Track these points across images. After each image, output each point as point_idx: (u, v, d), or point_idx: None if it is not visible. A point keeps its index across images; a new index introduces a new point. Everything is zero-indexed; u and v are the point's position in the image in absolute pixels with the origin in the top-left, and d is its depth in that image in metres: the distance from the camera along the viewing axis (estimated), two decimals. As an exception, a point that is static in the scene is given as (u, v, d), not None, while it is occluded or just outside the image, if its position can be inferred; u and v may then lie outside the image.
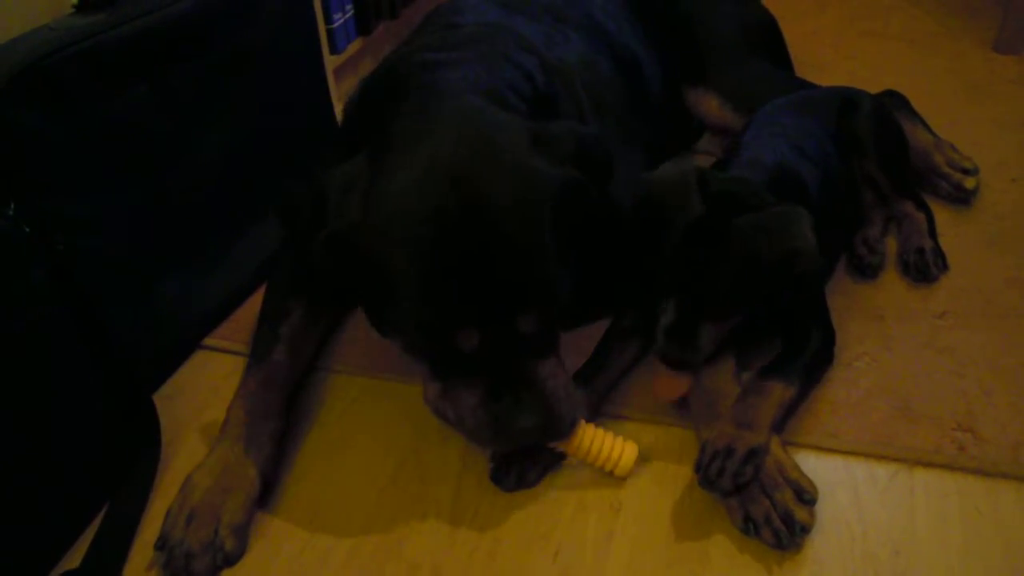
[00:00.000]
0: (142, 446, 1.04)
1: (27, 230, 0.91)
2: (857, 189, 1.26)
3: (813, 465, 0.98)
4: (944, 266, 1.23)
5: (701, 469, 0.91)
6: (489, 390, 0.90)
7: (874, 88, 1.40)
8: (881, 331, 1.13)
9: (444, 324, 0.87)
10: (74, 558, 0.93)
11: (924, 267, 1.21)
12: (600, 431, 0.97)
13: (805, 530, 0.89)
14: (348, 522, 0.96)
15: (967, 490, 0.95)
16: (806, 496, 0.90)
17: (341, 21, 1.67)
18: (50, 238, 0.96)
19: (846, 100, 1.28)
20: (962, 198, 1.35)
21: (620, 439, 0.97)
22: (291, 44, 1.34)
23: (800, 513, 0.89)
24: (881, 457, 0.98)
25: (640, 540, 0.92)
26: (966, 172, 1.35)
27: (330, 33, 1.65)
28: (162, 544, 0.92)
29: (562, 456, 0.99)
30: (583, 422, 0.97)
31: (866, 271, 1.22)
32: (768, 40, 1.50)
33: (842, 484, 0.96)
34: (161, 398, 1.11)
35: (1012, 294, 1.18)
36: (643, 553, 0.90)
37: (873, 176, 1.26)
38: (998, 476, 0.96)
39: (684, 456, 1.00)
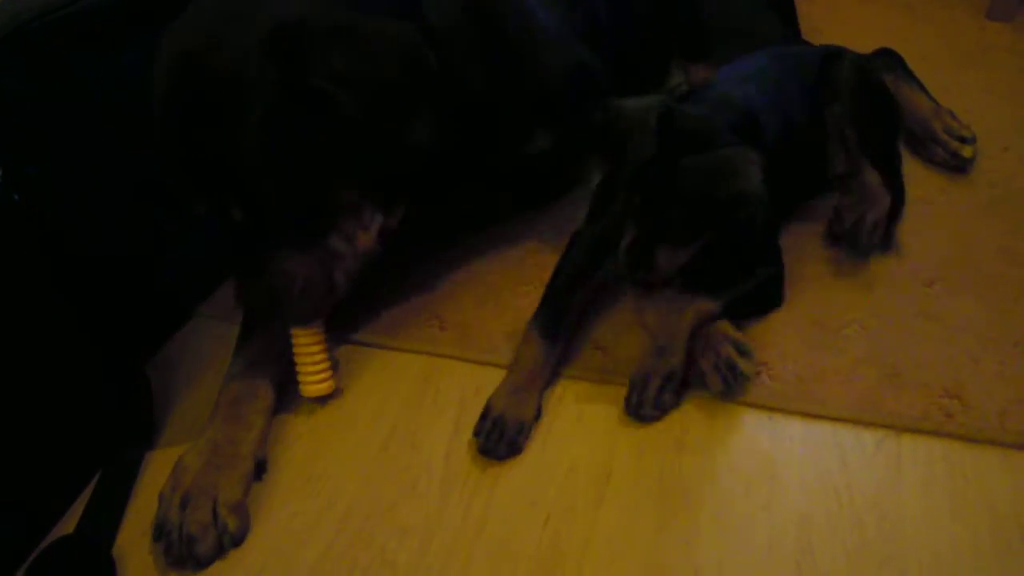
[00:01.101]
0: (134, 413, 1.04)
1: (16, 198, 0.91)
2: (824, 144, 1.24)
3: (801, 432, 0.99)
4: (885, 246, 1.19)
5: (626, 401, 1.02)
6: (235, 268, 0.98)
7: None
8: (870, 299, 1.14)
9: (177, 182, 0.94)
10: (69, 523, 0.94)
11: (856, 238, 1.17)
12: (317, 350, 1.03)
13: (746, 377, 1.00)
14: (339, 489, 0.97)
15: (953, 457, 0.96)
16: (743, 348, 1.01)
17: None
18: (40, 206, 0.96)
19: (830, 53, 1.28)
20: (958, 166, 1.34)
21: (326, 368, 1.04)
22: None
23: (742, 363, 1.00)
24: (868, 424, 0.99)
25: (629, 506, 0.92)
26: (963, 140, 1.35)
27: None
28: (159, 532, 0.91)
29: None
30: (311, 330, 1.02)
31: (838, 241, 1.22)
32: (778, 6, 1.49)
33: (829, 451, 0.97)
34: (155, 366, 1.12)
35: (1001, 262, 1.18)
36: (632, 519, 0.91)
37: (846, 133, 1.24)
38: (984, 443, 0.96)
39: (673, 422, 1.00)
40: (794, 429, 0.99)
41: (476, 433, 0.99)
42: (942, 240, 1.22)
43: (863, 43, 1.36)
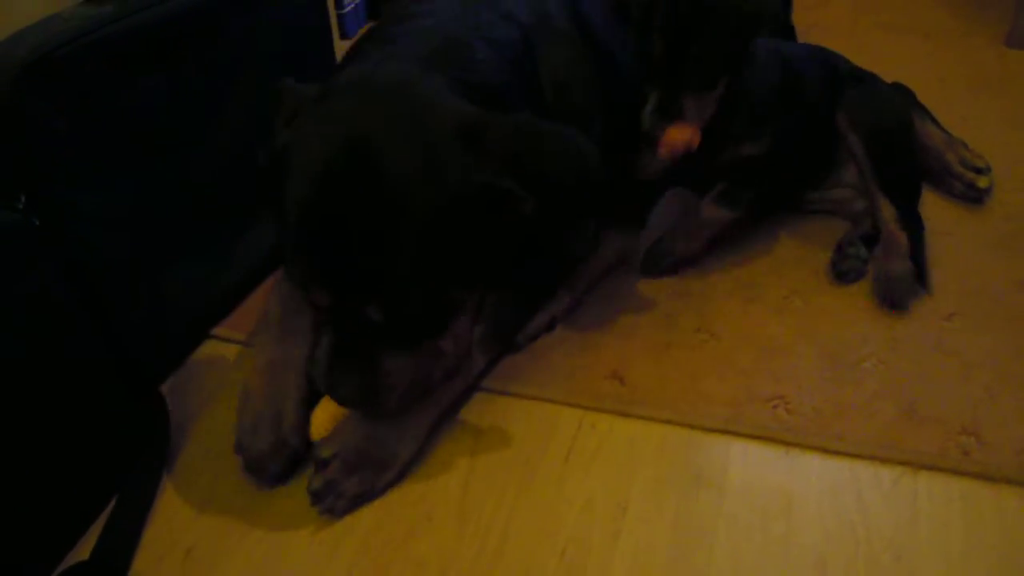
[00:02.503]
0: (151, 437, 1.04)
1: (37, 222, 0.92)
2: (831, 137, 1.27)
3: (818, 467, 0.99)
4: (922, 290, 1.19)
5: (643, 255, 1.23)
6: (335, 349, 0.92)
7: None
8: (888, 332, 1.14)
9: (302, 275, 0.90)
10: (83, 550, 0.94)
11: (890, 295, 1.18)
12: None
13: None
14: (355, 518, 0.96)
15: (971, 495, 0.95)
16: None
17: (352, 6, 1.67)
18: (60, 230, 0.97)
19: (854, 74, 1.31)
20: (975, 197, 1.34)
21: None
22: (303, 30, 1.34)
23: None
24: (885, 460, 0.98)
25: (646, 540, 0.92)
26: (979, 171, 1.35)
27: (341, 19, 1.64)
28: (239, 448, 0.99)
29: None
30: None
31: (840, 277, 1.22)
32: None
33: (846, 487, 0.97)
34: (170, 388, 1.12)
35: (1020, 297, 1.18)
36: (649, 554, 0.91)
37: (859, 164, 1.25)
38: (1002, 481, 0.96)
39: (691, 456, 1.00)
40: (811, 464, 0.99)
41: None
42: (961, 273, 1.22)
43: (881, 72, 1.36)
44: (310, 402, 1.00)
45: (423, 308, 0.89)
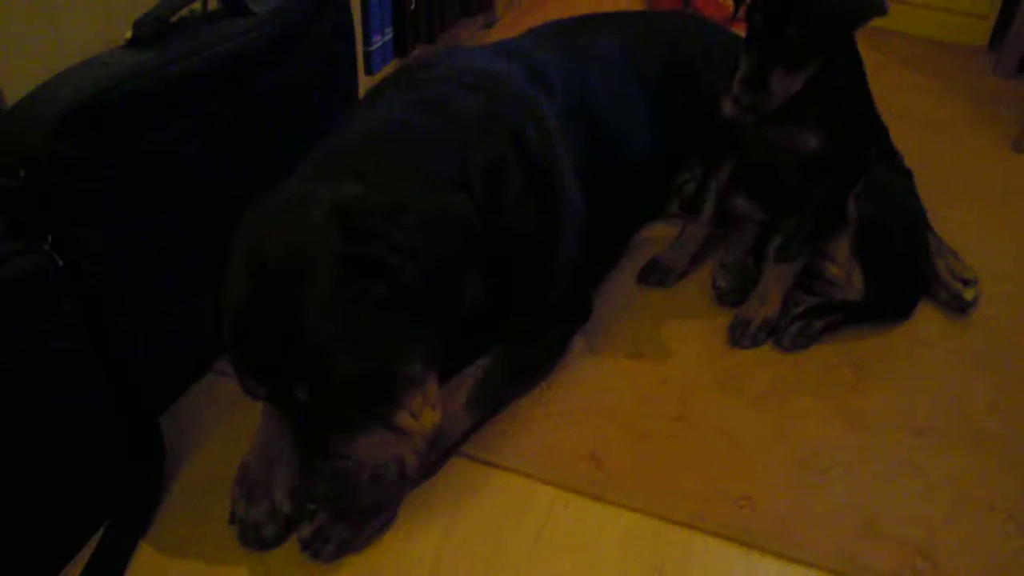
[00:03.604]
0: (145, 468, 1.09)
1: (61, 264, 0.96)
2: None
3: (775, 572, 1.03)
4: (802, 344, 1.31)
5: (730, 332, 1.31)
6: (298, 452, 0.98)
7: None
8: (859, 441, 1.18)
9: (237, 367, 0.97)
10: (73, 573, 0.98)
11: (741, 332, 1.31)
12: None
13: None
14: None
15: (917, 619, 1.00)
16: None
17: (379, 44, 1.70)
18: (81, 270, 1.01)
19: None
20: (959, 308, 1.38)
21: None
22: (330, 73, 1.38)
23: None
24: (841, 574, 1.03)
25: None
26: (966, 283, 1.39)
27: (367, 55, 1.68)
28: (232, 519, 1.03)
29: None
30: None
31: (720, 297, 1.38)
32: None
33: (800, 596, 1.02)
34: (167, 419, 1.16)
35: (990, 419, 1.22)
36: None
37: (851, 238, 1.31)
38: (948, 609, 1.01)
39: (655, 548, 1.04)
40: (770, 568, 1.03)
41: None
42: (937, 388, 1.27)
43: (924, 172, 1.41)
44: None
45: (347, 381, 0.94)
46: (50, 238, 0.96)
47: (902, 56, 2.19)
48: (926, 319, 1.37)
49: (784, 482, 1.12)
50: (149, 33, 1.09)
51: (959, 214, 1.58)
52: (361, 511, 1.02)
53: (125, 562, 1.00)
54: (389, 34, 1.73)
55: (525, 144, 1.15)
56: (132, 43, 1.09)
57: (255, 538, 1.02)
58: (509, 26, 2.17)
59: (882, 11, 1.12)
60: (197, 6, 1.18)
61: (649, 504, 1.09)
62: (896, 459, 1.16)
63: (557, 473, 1.12)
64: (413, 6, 1.76)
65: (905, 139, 1.82)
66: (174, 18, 1.13)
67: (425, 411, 1.02)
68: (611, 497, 1.09)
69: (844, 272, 1.32)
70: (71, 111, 0.98)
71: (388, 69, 1.75)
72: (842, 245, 1.31)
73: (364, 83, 1.66)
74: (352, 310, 0.93)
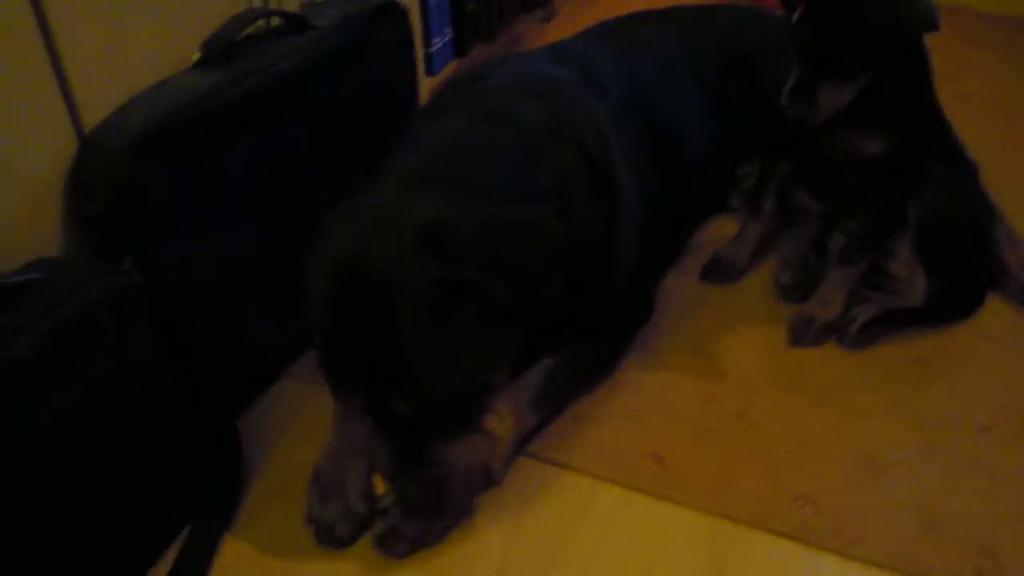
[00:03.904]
0: (224, 473, 1.14)
1: (140, 281, 1.01)
2: None
3: (835, 570, 1.04)
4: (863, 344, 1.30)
5: (791, 330, 1.31)
6: (392, 458, 1.02)
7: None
8: (921, 439, 1.18)
9: (331, 381, 1.02)
10: (160, 573, 1.04)
11: (804, 330, 1.31)
12: None
13: None
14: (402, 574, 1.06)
15: (980, 618, 1.00)
16: None
17: (440, 44, 1.73)
18: (158, 286, 1.06)
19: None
20: (1027, 302, 1.37)
21: None
22: (392, 82, 1.41)
23: None
24: (901, 573, 1.03)
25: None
26: (1037, 276, 1.37)
27: (428, 56, 1.70)
28: (309, 519, 1.08)
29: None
30: None
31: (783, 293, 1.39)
32: None
33: (861, 594, 1.03)
34: (242, 423, 1.22)
35: (1059, 416, 1.21)
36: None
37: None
38: (1012, 608, 1.01)
39: (714, 546, 1.07)
40: (828, 566, 1.05)
41: None
42: (1004, 383, 1.26)
43: (992, 159, 1.41)
44: (371, 472, 1.09)
45: (446, 395, 0.99)
46: (130, 257, 1.02)
47: (964, 32, 2.13)
48: (993, 312, 1.36)
49: (845, 480, 1.13)
50: (217, 53, 1.14)
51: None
52: (446, 513, 1.06)
53: (208, 562, 1.06)
54: (449, 34, 1.75)
55: (586, 151, 1.17)
56: (201, 64, 1.14)
57: (330, 537, 1.07)
58: (568, 19, 2.17)
59: (934, 27, 1.12)
60: (262, 23, 1.22)
61: (710, 502, 1.11)
62: (959, 457, 1.16)
63: (620, 472, 1.14)
64: (471, 6, 1.79)
65: (973, 125, 1.77)
66: (239, 37, 1.17)
67: (510, 415, 1.07)
68: (673, 495, 1.12)
69: (907, 270, 1.31)
70: (147, 135, 1.03)
71: (449, 69, 1.78)
72: (905, 244, 1.30)
73: (425, 84, 1.69)
74: (448, 328, 0.97)
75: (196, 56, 1.14)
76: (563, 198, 1.12)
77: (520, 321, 1.02)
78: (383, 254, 0.97)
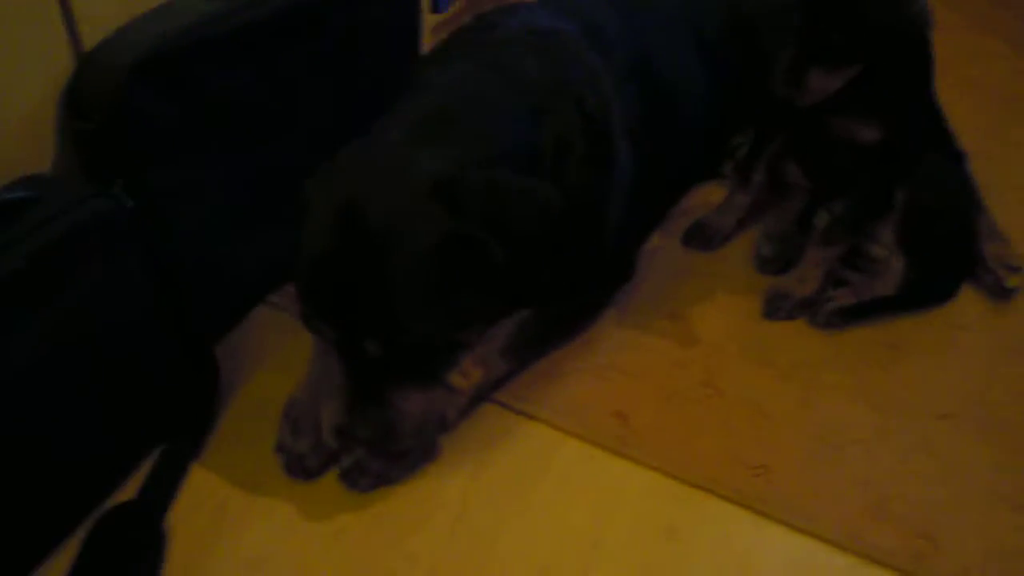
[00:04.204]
0: (201, 394, 1.17)
1: (130, 205, 1.03)
2: None
3: (782, 541, 1.08)
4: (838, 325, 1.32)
5: (765, 303, 1.33)
6: (349, 394, 1.04)
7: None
8: (880, 421, 1.21)
9: (309, 313, 1.04)
10: (128, 490, 1.08)
11: (778, 303, 1.34)
12: None
13: None
14: (363, 507, 1.09)
15: (912, 597, 1.05)
16: None
17: (450, -18, 1.72)
18: (149, 210, 1.07)
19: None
20: (1001, 294, 1.39)
21: None
22: (393, 21, 1.41)
23: None
24: (844, 548, 1.07)
25: (611, 581, 1.04)
26: (1011, 270, 1.39)
27: (436, -6, 1.70)
28: (279, 448, 1.12)
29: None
30: None
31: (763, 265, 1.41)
32: None
33: (803, 565, 1.06)
34: (222, 348, 1.24)
35: (1016, 410, 1.24)
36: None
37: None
38: (943, 591, 1.05)
39: (664, 507, 1.10)
40: (776, 537, 1.09)
41: None
42: (967, 372, 1.29)
43: (990, 150, 1.45)
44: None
45: (419, 343, 1.01)
46: (120, 181, 1.03)
47: (978, 17, 2.11)
48: (967, 302, 1.38)
49: (801, 455, 1.16)
50: (222, -20, 1.13)
51: (1018, 193, 1.56)
52: (399, 454, 1.10)
53: (178, 481, 1.10)
54: (459, -28, 1.75)
55: (585, 110, 1.18)
56: (202, -10, 1.14)
57: (298, 468, 1.10)
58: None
59: (927, 25, 1.12)
60: (269, -48, 1.22)
61: (668, 464, 1.14)
62: (915, 441, 1.19)
63: (584, 427, 1.18)
64: (484, -55, 1.77)
65: (971, 109, 1.77)
66: (244, -35, 1.17)
67: (473, 371, 1.10)
68: (633, 454, 1.15)
69: (888, 253, 1.33)
70: (146, 57, 1.04)
71: (455, 8, 1.77)
72: (889, 228, 1.32)
73: (430, 21, 1.68)
74: (440, 282, 0.99)
75: (201, -20, 1.14)
76: (561, 158, 1.14)
77: (507, 286, 1.04)
78: (390, 196, 0.99)
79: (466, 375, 1.09)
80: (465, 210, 0.98)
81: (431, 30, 1.67)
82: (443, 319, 1.02)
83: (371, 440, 1.05)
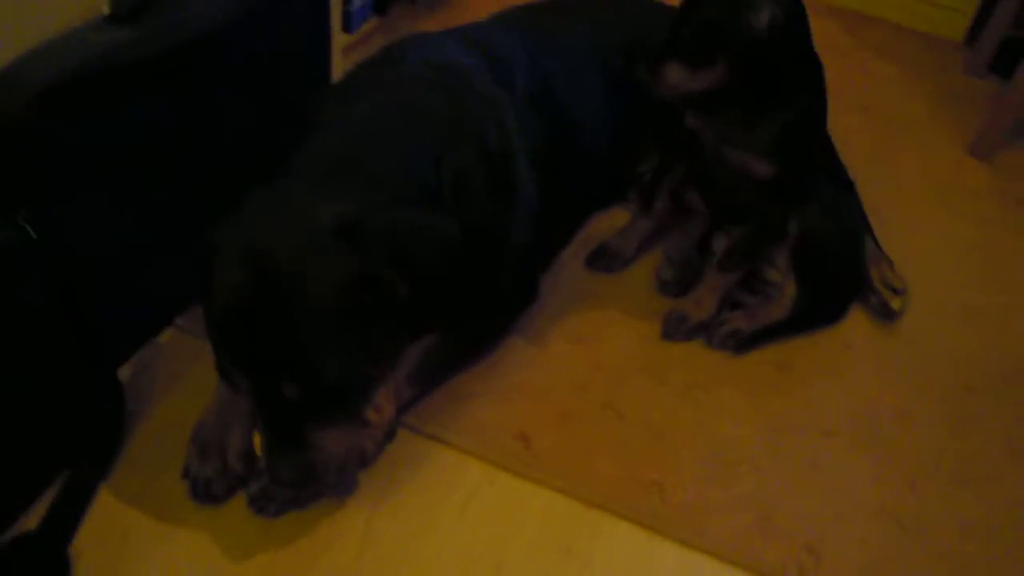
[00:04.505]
0: (107, 419, 1.17)
1: (34, 236, 1.02)
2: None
3: (674, 557, 1.14)
4: (738, 350, 1.39)
5: (664, 325, 1.39)
6: (269, 437, 1.06)
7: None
8: (771, 439, 1.27)
9: (223, 358, 1.07)
10: (30, 521, 1.08)
11: (676, 325, 1.40)
12: None
13: None
14: (271, 530, 1.11)
15: (795, 609, 1.11)
16: None
17: (360, 2, 1.74)
18: (54, 239, 1.07)
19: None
20: (886, 315, 1.47)
21: None
22: (303, 47, 1.42)
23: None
24: (732, 563, 1.13)
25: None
26: (895, 291, 1.47)
27: (346, 13, 1.71)
28: (186, 474, 1.13)
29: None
30: None
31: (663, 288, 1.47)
32: None
33: (692, 581, 1.12)
34: (128, 374, 1.24)
35: (898, 425, 1.32)
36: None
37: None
38: (824, 605, 1.11)
39: (563, 528, 1.15)
40: (669, 553, 1.14)
41: None
42: (853, 391, 1.36)
43: (879, 172, 1.52)
44: (251, 433, 1.14)
45: (335, 382, 1.04)
46: (23, 210, 1.03)
47: (875, 43, 2.21)
48: (853, 323, 1.46)
49: (695, 473, 1.22)
50: (127, 10, 1.13)
51: (904, 216, 1.65)
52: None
53: (83, 508, 1.10)
54: (370, -7, 1.77)
55: (486, 145, 1.22)
56: (111, 19, 1.13)
57: (205, 493, 1.12)
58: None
59: (760, 35, 1.15)
60: (174, -23, 1.22)
61: (567, 484, 1.19)
62: (802, 459, 1.26)
63: (487, 449, 1.21)
64: (393, -35, 1.80)
65: (864, 133, 1.89)
66: (151, -6, 1.17)
67: (386, 405, 1.13)
68: (534, 475, 1.19)
69: (782, 277, 1.39)
70: (51, 86, 1.03)
71: (366, 28, 1.79)
72: (784, 254, 1.38)
73: (341, 41, 1.70)
74: (350, 322, 1.02)
75: (106, 10, 1.14)
76: (462, 193, 1.17)
77: (414, 317, 1.08)
78: (296, 241, 1.01)
79: (379, 409, 1.12)
80: (369, 250, 1.01)
81: (342, 50, 1.69)
82: (355, 356, 1.05)
83: (294, 482, 1.07)
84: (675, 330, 1.39)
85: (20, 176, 1.05)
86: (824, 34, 2.08)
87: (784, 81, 1.23)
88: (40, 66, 1.05)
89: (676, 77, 1.20)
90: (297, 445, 1.05)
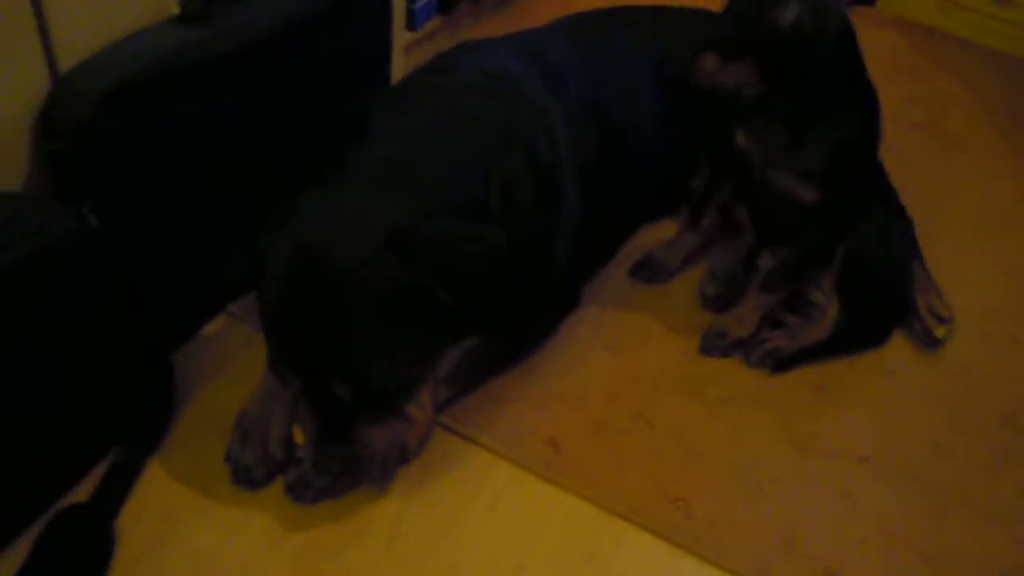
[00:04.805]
0: (158, 399, 1.23)
1: (96, 225, 1.08)
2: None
3: (694, 572, 1.15)
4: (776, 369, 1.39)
5: (703, 339, 1.40)
6: (317, 431, 1.11)
7: (902, 193, 1.56)
8: (800, 461, 1.28)
9: (277, 356, 1.13)
10: (81, 493, 1.14)
11: (715, 343, 1.41)
12: None
13: None
14: (302, 519, 1.15)
15: (810, 633, 1.12)
16: None
17: (424, 1, 1.77)
18: (114, 228, 1.13)
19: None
20: (929, 344, 1.45)
21: None
22: (364, 52, 1.46)
23: None
24: (751, 582, 1.15)
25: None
26: (940, 320, 1.46)
27: (411, 12, 1.74)
28: (228, 458, 1.19)
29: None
30: None
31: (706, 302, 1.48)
32: None
33: (710, 599, 1.14)
34: (180, 358, 1.30)
35: (931, 457, 1.31)
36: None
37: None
38: (839, 629, 1.13)
39: (590, 534, 1.17)
40: (689, 568, 1.16)
41: None
42: (887, 417, 1.36)
43: (903, 182, 1.48)
44: (293, 422, 1.20)
45: (382, 384, 1.09)
46: (89, 201, 1.09)
47: (940, 58, 2.14)
48: (895, 349, 1.45)
49: (721, 490, 1.23)
50: (195, 11, 1.18)
51: (960, 241, 1.63)
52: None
53: (130, 485, 1.16)
54: (435, -9, 1.80)
55: (535, 156, 1.25)
56: (179, 19, 1.19)
57: (245, 478, 1.17)
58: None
59: (785, 32, 1.14)
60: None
61: (594, 492, 1.21)
62: (831, 483, 1.26)
63: (518, 452, 1.25)
64: (459, -37, 1.82)
65: (924, 152, 1.85)
66: (219, -5, 1.22)
67: (428, 402, 1.17)
68: (561, 481, 1.22)
69: (826, 299, 1.39)
70: (118, 87, 1.09)
71: (430, 26, 1.82)
72: (829, 277, 1.38)
73: (405, 39, 1.73)
74: (398, 328, 1.07)
75: (175, 10, 1.19)
76: (509, 203, 1.21)
77: (458, 323, 1.13)
78: (348, 249, 1.05)
79: (422, 406, 1.16)
80: (417, 260, 1.05)
81: (404, 48, 1.72)
82: (402, 359, 1.10)
83: (340, 474, 1.13)
84: (713, 345, 1.40)
85: (85, 172, 1.11)
86: (887, 46, 2.11)
87: (827, 97, 1.23)
88: (110, 65, 1.11)
89: (710, 65, 1.20)
90: (345, 440, 1.10)
